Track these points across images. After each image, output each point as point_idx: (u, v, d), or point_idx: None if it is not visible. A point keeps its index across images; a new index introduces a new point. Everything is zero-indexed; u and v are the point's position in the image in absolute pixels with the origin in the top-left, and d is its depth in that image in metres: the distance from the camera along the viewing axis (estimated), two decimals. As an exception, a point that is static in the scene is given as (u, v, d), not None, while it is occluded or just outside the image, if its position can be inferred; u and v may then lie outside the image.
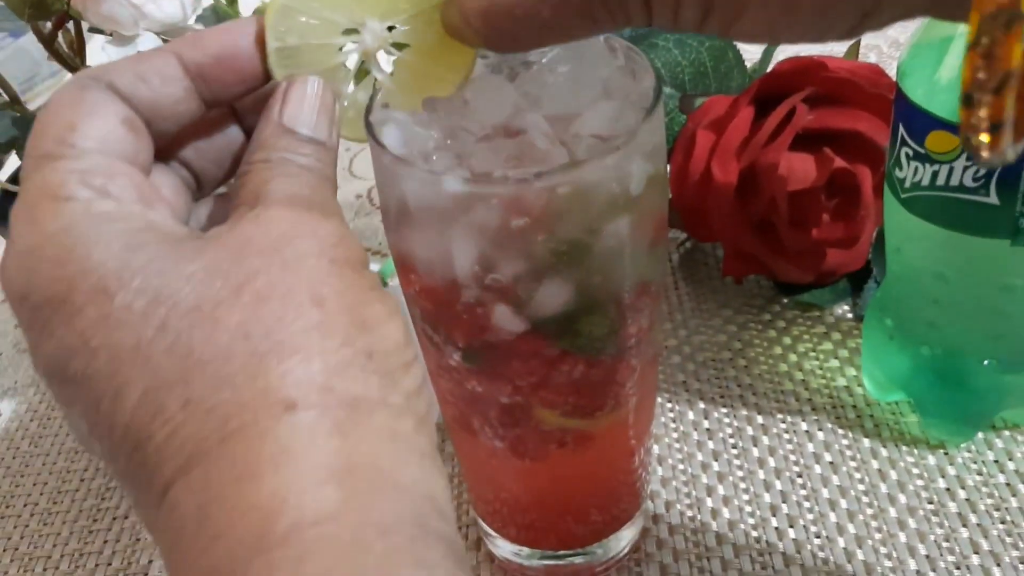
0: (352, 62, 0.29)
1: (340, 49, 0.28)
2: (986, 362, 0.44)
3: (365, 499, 0.21)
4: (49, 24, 0.44)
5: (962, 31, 0.37)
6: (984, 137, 0.19)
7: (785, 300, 0.57)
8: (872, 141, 0.50)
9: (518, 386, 0.34)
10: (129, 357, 0.22)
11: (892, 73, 0.43)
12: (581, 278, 0.31)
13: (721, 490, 0.47)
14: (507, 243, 0.29)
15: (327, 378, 0.22)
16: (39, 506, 0.50)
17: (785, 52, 0.55)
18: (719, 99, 0.54)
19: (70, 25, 0.46)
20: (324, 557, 0.20)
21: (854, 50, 0.56)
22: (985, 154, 0.20)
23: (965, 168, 0.37)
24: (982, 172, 0.37)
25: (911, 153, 0.39)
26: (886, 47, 0.81)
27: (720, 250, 0.61)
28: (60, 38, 0.45)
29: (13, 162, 0.50)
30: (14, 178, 0.52)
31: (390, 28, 0.29)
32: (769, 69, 0.53)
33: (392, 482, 0.22)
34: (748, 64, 0.57)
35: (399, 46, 0.29)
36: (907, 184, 0.40)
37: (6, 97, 0.46)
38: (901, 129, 0.40)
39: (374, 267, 0.64)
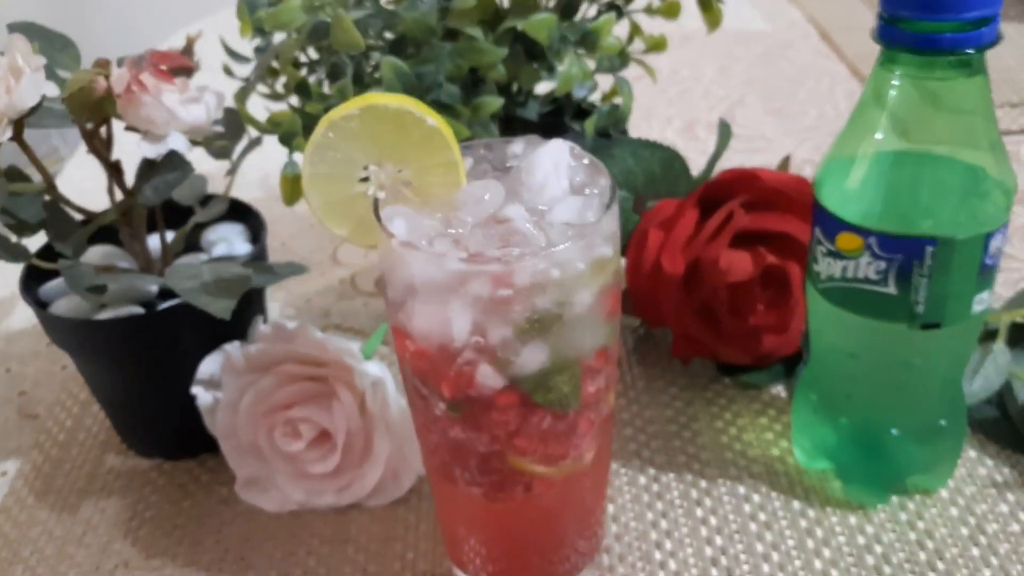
0: (369, 191, 0.37)
1: (359, 180, 0.37)
2: (894, 431, 0.51)
3: None
4: (90, 124, 0.51)
5: (863, 153, 0.45)
6: None
7: (726, 380, 0.64)
8: (799, 241, 0.58)
9: (495, 435, 0.40)
10: None
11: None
12: (553, 342, 0.38)
13: (668, 544, 0.53)
14: (495, 312, 0.36)
15: None
16: (46, 553, 0.55)
17: (726, 163, 0.63)
18: (668, 202, 0.61)
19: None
20: None
21: (784, 164, 0.65)
22: None
23: (868, 263, 0.45)
24: (882, 267, 0.45)
25: (824, 250, 0.47)
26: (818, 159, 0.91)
27: (669, 335, 0.68)
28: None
29: (40, 237, 0.55)
30: (41, 253, 0.58)
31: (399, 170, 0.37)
32: (712, 176, 0.61)
33: None
34: (693, 172, 0.65)
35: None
36: (822, 276, 0.48)
37: (43, 183, 0.52)
38: (817, 230, 0.48)
39: (356, 345, 0.70)
